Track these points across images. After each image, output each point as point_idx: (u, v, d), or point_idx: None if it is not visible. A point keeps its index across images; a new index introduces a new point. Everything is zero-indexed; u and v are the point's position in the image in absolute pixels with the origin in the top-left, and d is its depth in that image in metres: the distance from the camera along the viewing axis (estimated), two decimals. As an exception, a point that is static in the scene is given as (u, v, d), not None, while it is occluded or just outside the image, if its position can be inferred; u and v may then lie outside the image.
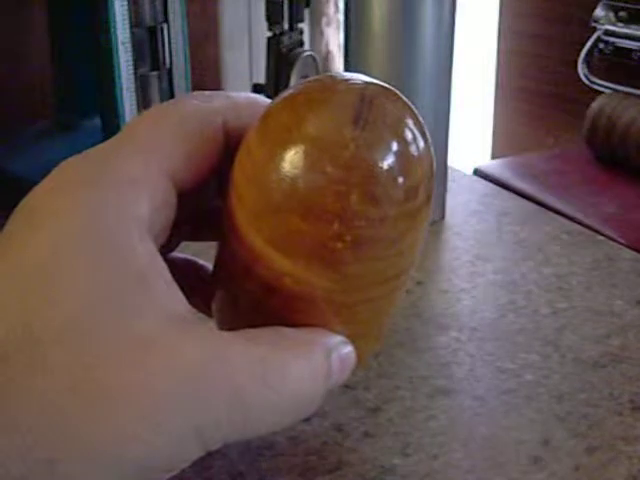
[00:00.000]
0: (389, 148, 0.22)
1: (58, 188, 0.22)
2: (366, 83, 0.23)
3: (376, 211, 0.22)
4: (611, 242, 0.47)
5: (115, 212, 0.21)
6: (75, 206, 0.21)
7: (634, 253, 0.46)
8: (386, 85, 0.23)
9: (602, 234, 0.49)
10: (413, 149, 0.22)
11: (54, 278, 0.20)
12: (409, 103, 0.23)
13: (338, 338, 0.24)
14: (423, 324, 0.38)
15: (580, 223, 0.51)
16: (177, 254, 0.29)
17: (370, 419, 0.31)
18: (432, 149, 0.24)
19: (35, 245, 0.21)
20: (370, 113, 0.22)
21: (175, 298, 0.22)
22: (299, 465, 0.28)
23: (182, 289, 0.22)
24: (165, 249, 0.27)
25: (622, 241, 0.57)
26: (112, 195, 0.22)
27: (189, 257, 0.29)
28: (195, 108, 0.24)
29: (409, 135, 0.22)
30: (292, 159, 0.21)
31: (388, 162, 0.22)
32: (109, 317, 0.20)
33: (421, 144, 0.23)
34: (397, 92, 0.23)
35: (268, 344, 0.22)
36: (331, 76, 0.23)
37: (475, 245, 0.47)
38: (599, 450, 0.29)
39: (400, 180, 0.22)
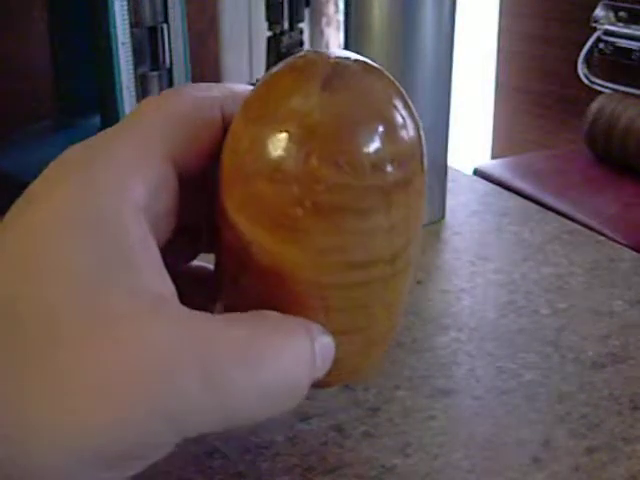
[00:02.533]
0: (357, 116, 0.22)
1: (56, 172, 0.22)
2: (347, 57, 0.23)
3: (337, 178, 0.21)
4: (611, 242, 0.47)
5: (107, 192, 0.21)
6: (68, 187, 0.21)
7: (634, 253, 0.46)
8: (370, 61, 0.23)
9: (602, 234, 0.49)
10: (390, 122, 0.22)
11: (40, 257, 0.20)
12: (393, 80, 0.23)
13: (318, 325, 0.23)
14: (423, 324, 0.38)
15: (580, 223, 0.51)
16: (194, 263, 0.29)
17: (370, 419, 0.31)
18: (419, 127, 0.23)
19: (26, 225, 0.21)
20: (341, 81, 0.22)
21: (158, 279, 0.21)
22: (299, 465, 0.28)
23: (200, 295, 0.23)
24: (182, 259, 0.28)
25: (622, 241, 0.57)
26: (105, 176, 0.22)
27: (203, 264, 0.29)
28: (194, 96, 0.25)
29: (386, 108, 0.22)
30: (262, 122, 0.22)
31: (355, 130, 0.21)
32: (86, 295, 0.20)
33: (401, 120, 0.22)
34: (381, 69, 0.23)
35: (249, 326, 0.21)
36: (316, 51, 0.23)
37: (475, 245, 0.47)
38: (599, 450, 0.29)
39: (367, 150, 0.21)
